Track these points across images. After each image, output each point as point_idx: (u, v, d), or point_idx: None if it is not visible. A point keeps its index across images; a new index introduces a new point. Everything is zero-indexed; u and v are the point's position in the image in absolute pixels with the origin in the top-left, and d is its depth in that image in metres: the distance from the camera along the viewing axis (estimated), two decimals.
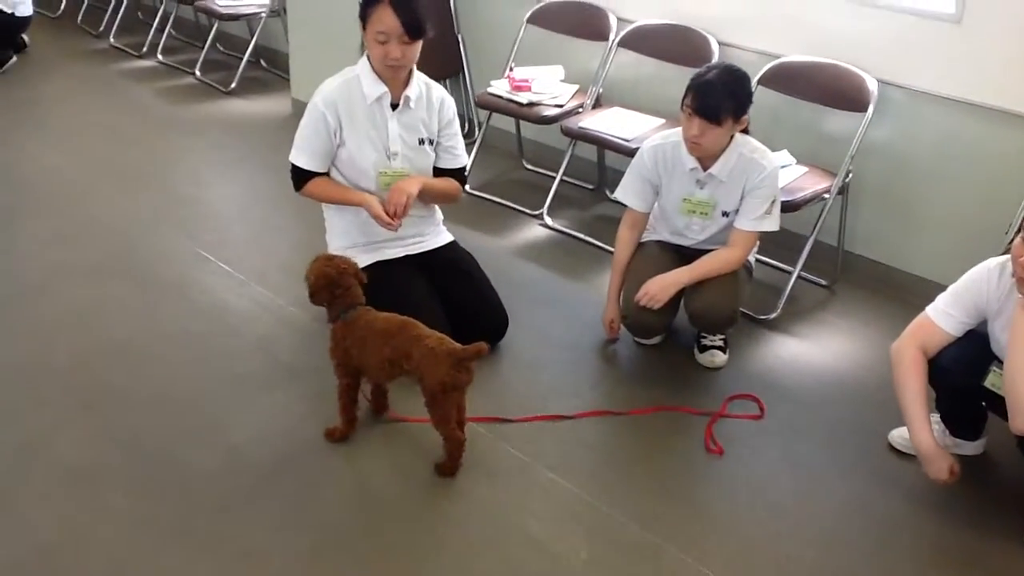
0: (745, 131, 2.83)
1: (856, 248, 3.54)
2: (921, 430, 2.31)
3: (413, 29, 2.66)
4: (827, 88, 3.38)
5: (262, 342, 2.96)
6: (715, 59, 3.59)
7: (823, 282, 3.47)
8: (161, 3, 5.94)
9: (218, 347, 2.93)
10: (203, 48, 5.60)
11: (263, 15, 5.34)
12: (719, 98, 2.66)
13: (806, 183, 3.25)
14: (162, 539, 2.21)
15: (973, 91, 3.12)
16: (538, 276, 3.48)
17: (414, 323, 2.41)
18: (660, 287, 2.80)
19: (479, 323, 2.89)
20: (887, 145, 3.37)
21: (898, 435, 2.59)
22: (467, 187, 3.04)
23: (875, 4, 3.26)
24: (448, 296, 2.94)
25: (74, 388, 2.71)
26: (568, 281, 3.46)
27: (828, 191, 3.26)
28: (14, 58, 5.50)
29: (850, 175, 3.34)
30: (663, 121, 3.69)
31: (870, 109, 3.26)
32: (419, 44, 2.73)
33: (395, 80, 2.79)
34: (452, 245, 3.08)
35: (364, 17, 2.70)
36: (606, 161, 4.09)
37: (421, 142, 2.88)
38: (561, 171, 3.90)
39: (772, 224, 2.85)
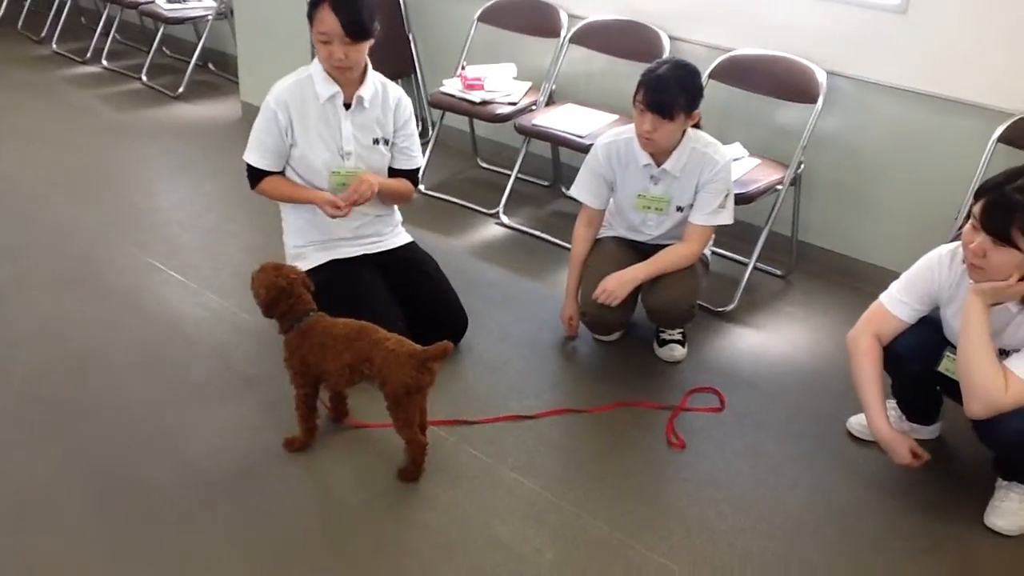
0: (697, 126, 2.85)
1: (810, 238, 3.58)
2: (878, 417, 2.34)
3: (354, 30, 2.64)
4: (777, 80, 3.41)
5: (217, 351, 2.92)
6: (666, 54, 3.61)
7: (779, 272, 3.50)
8: (104, 7, 5.82)
9: (173, 357, 2.88)
10: (149, 52, 5.50)
11: (210, 18, 5.26)
12: (671, 93, 2.67)
13: (759, 175, 3.27)
14: (121, 557, 2.16)
15: (920, 80, 3.16)
16: (496, 275, 3.47)
17: (373, 327, 2.39)
18: (618, 283, 2.80)
19: (439, 324, 2.87)
20: (838, 135, 3.41)
21: (856, 422, 2.63)
22: (422, 187, 3.03)
23: None
24: (407, 297, 2.93)
25: (28, 403, 2.65)
26: (526, 279, 3.46)
27: (781, 182, 3.29)
28: None
29: (802, 166, 3.38)
30: (616, 117, 3.70)
31: (820, 100, 3.29)
32: (364, 45, 2.71)
33: (346, 80, 2.76)
34: (411, 246, 3.06)
35: (310, 17, 2.68)
36: (561, 158, 4.09)
37: (376, 142, 2.86)
38: (516, 169, 3.90)
39: (726, 218, 2.87)
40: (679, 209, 2.88)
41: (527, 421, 2.66)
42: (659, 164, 2.82)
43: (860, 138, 3.37)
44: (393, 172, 2.95)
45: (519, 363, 2.93)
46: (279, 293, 2.37)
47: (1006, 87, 2.99)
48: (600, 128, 3.56)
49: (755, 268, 3.34)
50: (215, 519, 2.27)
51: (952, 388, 2.28)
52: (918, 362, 2.37)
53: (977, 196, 2.13)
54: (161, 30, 5.42)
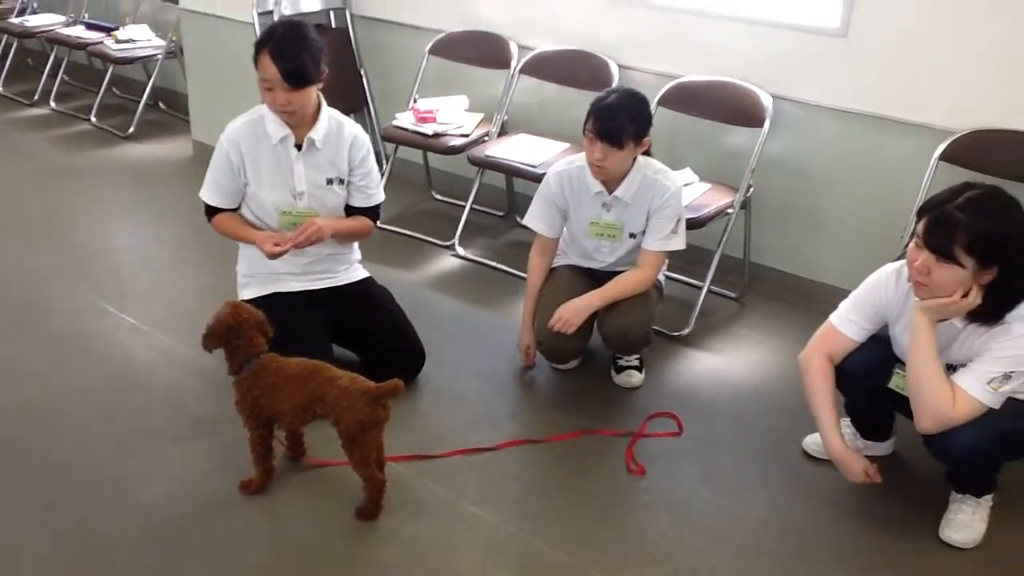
0: (648, 152, 2.88)
1: (762, 259, 3.62)
2: (832, 435, 2.36)
3: (294, 78, 2.63)
4: (724, 106, 3.47)
5: (171, 394, 2.87)
6: (615, 82, 3.66)
7: (733, 295, 3.54)
8: (52, 49, 5.77)
9: (125, 402, 2.83)
10: (98, 93, 5.44)
11: (159, 57, 5.24)
12: (620, 122, 2.70)
13: (710, 199, 3.31)
14: None
15: (862, 102, 3.23)
16: (452, 307, 3.47)
17: (325, 365, 2.37)
18: (573, 311, 2.81)
19: (396, 359, 2.86)
20: (785, 158, 3.47)
21: (812, 441, 2.65)
22: (378, 222, 3.03)
23: (765, 23, 3.36)
24: (363, 332, 2.92)
25: None
26: (483, 310, 3.46)
27: (731, 206, 3.33)
28: None
29: (751, 189, 3.42)
30: (568, 145, 3.73)
31: (766, 124, 3.35)
32: (308, 91, 2.69)
33: (294, 123, 2.76)
34: (366, 282, 3.04)
35: (254, 62, 2.68)
36: (515, 188, 4.12)
37: (330, 182, 2.85)
38: (470, 200, 3.91)
39: (679, 243, 2.89)
40: (632, 236, 2.90)
41: (487, 453, 2.64)
42: (611, 191, 2.85)
43: (807, 160, 3.43)
44: (352, 210, 2.94)
45: (477, 395, 2.92)
46: (225, 329, 2.34)
47: (946, 106, 3.07)
48: (552, 157, 3.58)
49: (709, 291, 3.37)
50: (172, 566, 2.22)
51: (903, 404, 2.31)
52: (869, 380, 2.40)
53: (920, 215, 2.17)
54: (110, 70, 5.37)
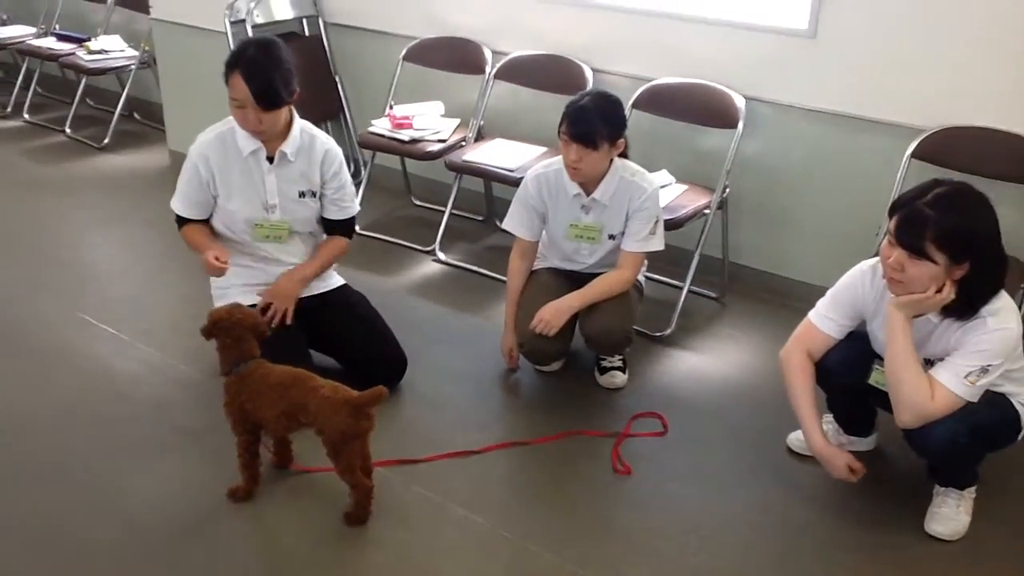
0: (624, 155, 2.91)
1: (741, 259, 3.66)
2: (813, 432, 2.39)
3: (265, 100, 2.63)
4: (698, 107, 3.50)
5: (154, 404, 2.86)
6: (589, 86, 3.68)
7: (713, 294, 3.57)
8: (23, 60, 5.72)
9: (108, 413, 2.81)
10: (72, 104, 5.40)
11: (133, 67, 5.20)
12: (594, 123, 2.72)
13: (687, 200, 3.35)
14: None
15: (833, 101, 3.28)
16: (434, 312, 3.48)
17: (308, 374, 2.38)
18: (553, 313, 2.83)
19: (377, 365, 2.87)
20: (759, 158, 3.51)
21: (795, 438, 2.68)
22: (357, 228, 3.03)
23: (735, 24, 3.40)
24: (343, 340, 2.92)
25: None
26: (464, 315, 3.47)
27: (708, 207, 3.37)
28: None
29: (727, 190, 3.46)
30: (545, 149, 3.75)
31: (740, 125, 3.39)
32: (279, 111, 2.70)
33: (265, 138, 2.76)
34: (342, 289, 3.04)
35: (225, 79, 2.67)
36: (494, 192, 4.13)
37: (302, 195, 2.85)
38: (449, 205, 3.92)
39: (657, 244, 2.92)
40: (611, 237, 2.93)
41: (473, 456, 2.66)
42: (588, 194, 2.87)
43: (781, 160, 3.48)
44: (327, 223, 2.95)
45: (462, 399, 2.93)
46: (216, 326, 2.36)
47: (916, 104, 3.12)
48: (529, 161, 3.60)
49: (690, 291, 3.41)
50: None
51: (883, 399, 2.35)
52: (848, 376, 2.44)
53: (891, 212, 2.21)
54: (83, 81, 5.33)
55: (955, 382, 2.18)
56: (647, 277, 3.26)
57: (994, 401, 2.27)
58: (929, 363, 2.27)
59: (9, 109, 5.63)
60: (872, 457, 2.64)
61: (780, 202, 3.53)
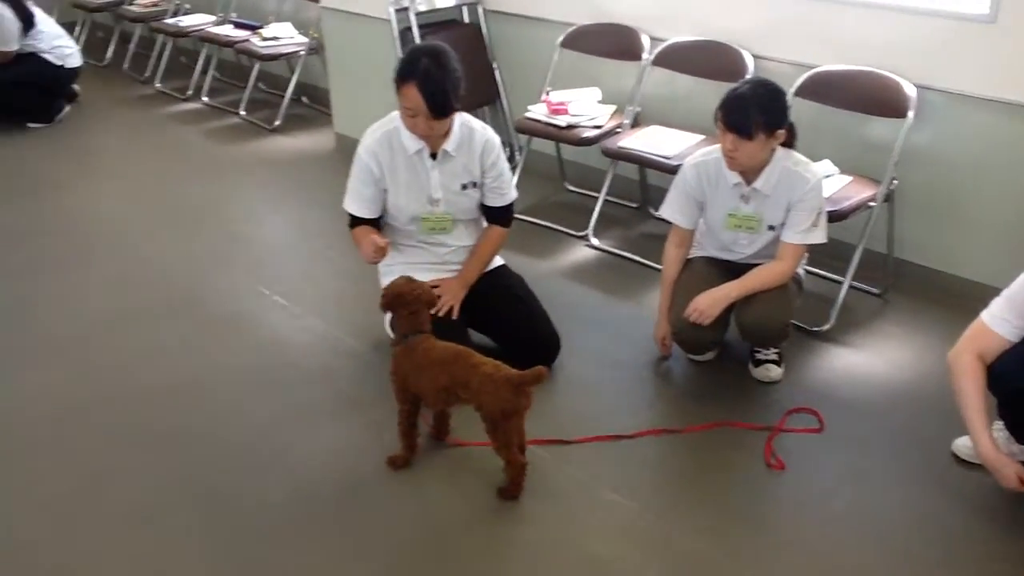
0: (789, 144, 2.84)
1: (906, 254, 3.52)
2: (982, 439, 2.30)
3: (438, 109, 2.69)
4: (865, 96, 3.38)
5: (322, 373, 3.02)
6: (750, 72, 3.62)
7: (875, 291, 3.45)
8: (203, 47, 6.10)
9: (279, 380, 3.00)
10: (246, 88, 5.74)
11: (302, 53, 5.46)
12: (749, 112, 2.67)
13: (851, 192, 3.25)
14: (232, 572, 2.26)
15: (1013, 90, 3.10)
16: (586, 297, 3.52)
17: (470, 352, 2.46)
18: (709, 302, 2.81)
19: (531, 346, 2.93)
20: (930, 149, 3.36)
21: (962, 444, 2.57)
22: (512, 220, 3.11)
23: (908, 9, 3.27)
24: (499, 319, 3.00)
25: (141, 425, 2.79)
26: (617, 300, 3.49)
27: (873, 199, 3.26)
28: (67, 108, 5.67)
29: (895, 182, 3.33)
30: (702, 137, 3.72)
31: (910, 115, 3.25)
32: (448, 119, 2.77)
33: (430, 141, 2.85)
34: (501, 270, 3.12)
35: (396, 87, 2.74)
36: (648, 179, 4.12)
37: (464, 187, 2.94)
38: (604, 191, 3.94)
39: (819, 236, 2.85)
40: (771, 228, 2.88)
41: (623, 441, 2.68)
42: (749, 183, 2.83)
43: (954, 151, 3.32)
44: (487, 209, 3.03)
45: (613, 384, 2.96)
46: (396, 298, 2.49)
47: None
48: (686, 149, 3.58)
49: (851, 287, 3.30)
50: (323, 535, 2.36)
51: None
52: (1022, 381, 2.32)
53: None
54: (256, 67, 5.63)
55: None
56: (806, 270, 3.18)
57: None
58: None
59: (190, 92, 6.02)
60: None
61: (951, 196, 3.37)
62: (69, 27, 6.02)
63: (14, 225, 4.20)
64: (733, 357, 3.06)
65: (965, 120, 3.26)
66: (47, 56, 5.44)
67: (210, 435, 2.75)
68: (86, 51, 6.06)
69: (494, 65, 4.66)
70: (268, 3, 6.01)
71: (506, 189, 3.01)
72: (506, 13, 4.55)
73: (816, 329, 3.20)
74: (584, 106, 4.03)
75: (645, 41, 4.00)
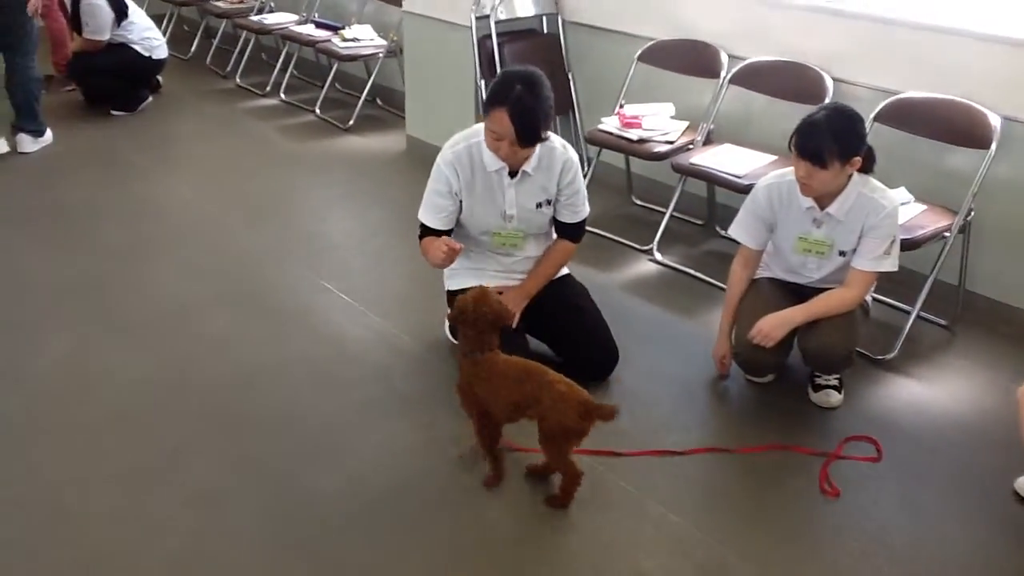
0: (867, 170, 2.79)
1: (977, 287, 3.44)
2: None
3: (527, 139, 2.68)
4: (946, 125, 3.32)
5: (380, 370, 3.07)
6: (829, 95, 3.58)
7: (942, 322, 3.38)
8: (284, 45, 6.24)
9: (339, 374, 3.05)
10: (323, 87, 5.85)
11: (380, 56, 5.55)
12: (823, 141, 2.63)
13: (925, 221, 3.19)
14: (286, 556, 2.30)
15: None
16: (647, 311, 3.51)
17: (541, 367, 2.43)
18: (773, 325, 2.78)
19: (589, 357, 2.94)
20: (1012, 182, 3.28)
21: None
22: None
23: (998, 39, 3.20)
24: (559, 329, 3.00)
25: (205, 411, 2.86)
26: (678, 317, 3.47)
27: (949, 229, 3.19)
28: (150, 98, 5.86)
29: (972, 213, 3.26)
30: (775, 158, 3.68)
31: (993, 146, 3.18)
32: (535, 147, 2.76)
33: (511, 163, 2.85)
34: (566, 279, 3.13)
35: (485, 110, 2.73)
36: (717, 197, 4.10)
37: (539, 205, 2.94)
38: (671, 206, 3.93)
39: (891, 264, 2.80)
40: (842, 254, 2.84)
41: (676, 457, 2.67)
42: (823, 207, 2.80)
43: None
44: (559, 224, 3.03)
45: (668, 399, 2.94)
46: (458, 314, 2.46)
47: None
48: (758, 169, 3.55)
49: (918, 317, 3.24)
50: (375, 527, 2.39)
51: None
52: None
53: None
54: (335, 67, 5.75)
55: None
56: (874, 297, 3.13)
57: None
58: None
59: (268, 89, 6.17)
60: None
61: None
62: (157, 20, 6.22)
63: (93, 207, 4.35)
64: (792, 380, 3.02)
65: None
66: (136, 47, 5.63)
67: (271, 423, 2.80)
68: (171, 44, 6.25)
69: (569, 76, 4.68)
70: (351, 5, 6.13)
71: (580, 206, 3.01)
72: (585, 25, 4.57)
73: (880, 357, 3.15)
74: (657, 121, 4.03)
75: (723, 59, 3.99)
